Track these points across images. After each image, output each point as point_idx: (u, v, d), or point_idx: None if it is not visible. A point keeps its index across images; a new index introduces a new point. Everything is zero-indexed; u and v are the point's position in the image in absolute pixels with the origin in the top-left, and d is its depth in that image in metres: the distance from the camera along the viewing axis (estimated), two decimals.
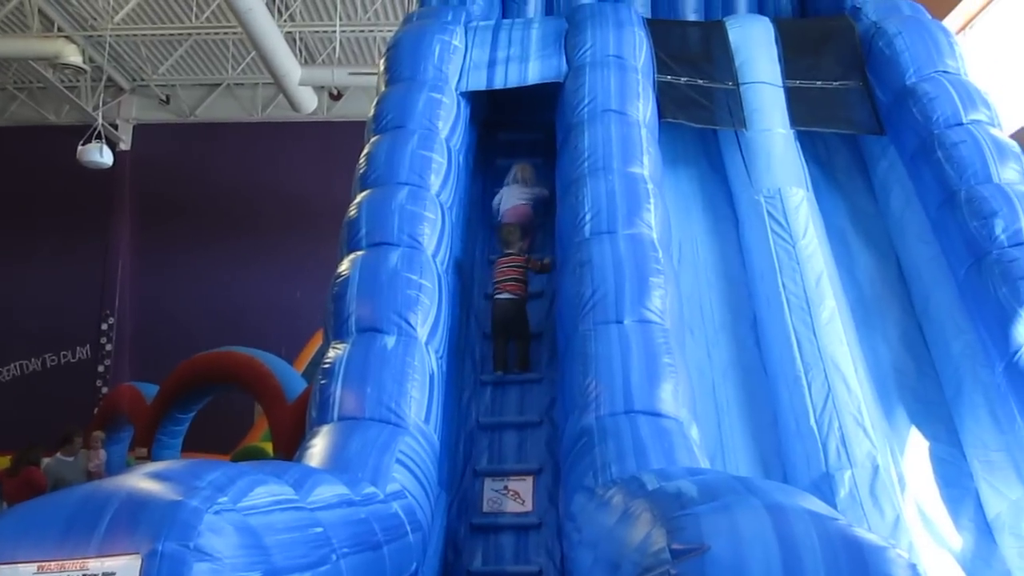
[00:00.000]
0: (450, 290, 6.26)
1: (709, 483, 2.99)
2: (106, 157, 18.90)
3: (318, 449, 4.90)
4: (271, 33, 16.32)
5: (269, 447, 12.31)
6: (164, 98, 21.77)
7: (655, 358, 5.26)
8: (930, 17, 7.83)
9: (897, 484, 5.55)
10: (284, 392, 10.84)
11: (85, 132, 19.26)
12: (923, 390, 6.35)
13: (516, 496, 5.86)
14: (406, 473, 4.86)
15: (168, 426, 12.63)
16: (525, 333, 6.67)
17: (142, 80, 21.53)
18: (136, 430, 13.04)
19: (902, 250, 7.04)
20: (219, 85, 21.79)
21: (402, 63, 7.41)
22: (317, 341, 14.93)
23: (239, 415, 15.72)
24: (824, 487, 5.46)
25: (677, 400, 5.13)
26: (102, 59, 19.42)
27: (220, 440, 14.87)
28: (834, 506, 5.39)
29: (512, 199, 7.42)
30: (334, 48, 19.14)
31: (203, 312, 19.82)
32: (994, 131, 6.81)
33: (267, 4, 16.54)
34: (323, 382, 5.39)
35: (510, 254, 6.86)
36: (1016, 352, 5.60)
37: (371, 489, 4.44)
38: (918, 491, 5.75)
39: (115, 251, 21.29)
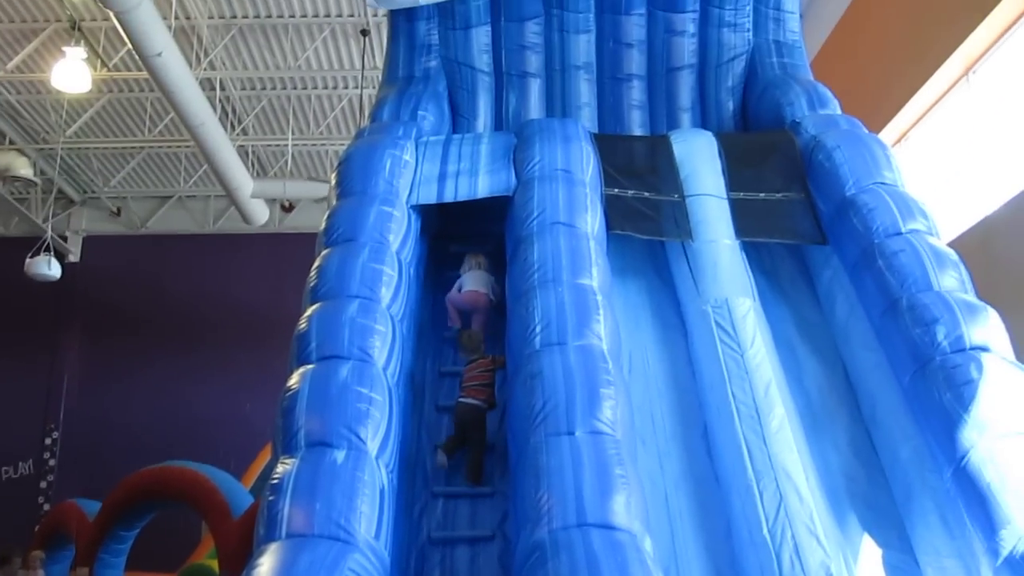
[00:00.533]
0: (401, 403, 6.21)
1: None
2: (54, 270, 18.79)
3: (265, 568, 4.78)
4: (223, 147, 16.46)
5: (215, 564, 11.98)
6: (115, 210, 21.79)
7: (607, 470, 5.23)
8: (867, 131, 8.08)
9: None
10: (230, 508, 10.61)
11: (33, 244, 19.17)
12: (874, 497, 6.36)
13: None
14: None
15: (111, 544, 12.26)
16: (482, 442, 6.65)
17: (93, 192, 21.57)
18: (78, 549, 12.65)
19: (848, 357, 7.12)
20: (171, 197, 21.89)
21: (353, 177, 7.49)
22: (267, 454, 14.70)
23: (185, 532, 15.35)
24: None
25: (630, 512, 5.09)
26: (53, 171, 19.44)
27: (166, 558, 14.50)
28: None
29: (473, 284, 7.55)
30: (286, 161, 19.35)
31: (152, 426, 19.53)
32: (932, 240, 6.98)
33: (220, 118, 16.73)
34: (271, 498, 5.28)
35: (475, 359, 6.92)
36: (963, 457, 5.65)
37: None
38: None
39: (61, 364, 21.00)
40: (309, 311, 6.43)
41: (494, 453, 6.62)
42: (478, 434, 6.64)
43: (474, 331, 7.29)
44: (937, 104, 12.17)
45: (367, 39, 16.06)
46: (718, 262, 7.23)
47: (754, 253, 7.66)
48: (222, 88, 17.55)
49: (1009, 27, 10.50)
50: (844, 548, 5.87)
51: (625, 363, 6.83)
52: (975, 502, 5.49)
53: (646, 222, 7.59)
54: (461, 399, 6.73)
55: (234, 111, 18.55)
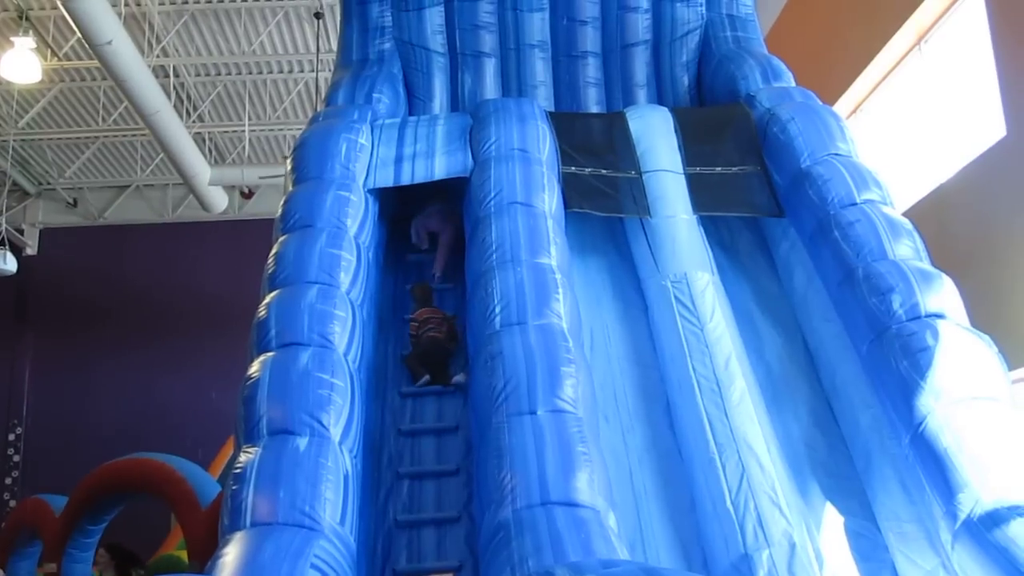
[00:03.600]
0: (363, 388, 6.20)
1: None
2: (10, 264, 18.53)
3: (230, 558, 4.77)
4: (179, 134, 16.29)
5: (185, 555, 11.92)
6: (71, 201, 21.51)
7: (569, 448, 5.26)
8: (821, 103, 8.12)
9: (815, 561, 5.58)
10: (198, 497, 10.53)
11: None
12: (835, 465, 6.45)
13: None
14: None
15: (78, 539, 12.12)
16: (447, 368, 7.08)
17: (48, 184, 21.25)
18: (44, 544, 12.53)
19: (807, 328, 7.19)
20: (128, 187, 21.63)
21: (309, 162, 7.44)
22: (232, 444, 14.62)
23: (154, 524, 15.26)
24: (743, 568, 5.49)
25: (593, 489, 5.13)
26: (6, 164, 19.15)
27: (137, 549, 14.39)
28: None
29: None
30: (243, 147, 19.18)
31: (117, 418, 19.38)
32: (887, 209, 7.04)
33: (175, 105, 16.54)
34: (234, 487, 5.27)
35: (429, 306, 7.38)
36: (920, 423, 5.72)
37: None
38: (836, 566, 5.79)
39: (23, 359, 20.75)
40: (268, 298, 6.40)
41: (457, 434, 6.63)
42: (448, 359, 7.08)
43: (425, 284, 7.65)
44: (890, 75, 12.25)
45: (321, 22, 15.91)
46: (676, 237, 7.27)
47: (712, 227, 7.70)
48: (176, 75, 17.34)
49: None
50: (807, 517, 5.95)
51: (587, 341, 6.87)
52: (933, 467, 5.56)
53: (604, 199, 7.60)
54: (430, 336, 7.09)
55: (189, 98, 18.34)
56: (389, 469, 6.51)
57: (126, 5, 14.74)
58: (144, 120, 15.49)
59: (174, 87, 17.19)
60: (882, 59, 12.00)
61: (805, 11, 14.48)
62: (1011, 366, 6.31)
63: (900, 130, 12.06)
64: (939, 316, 6.19)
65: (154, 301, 20.73)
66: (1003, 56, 9.55)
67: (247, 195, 20.58)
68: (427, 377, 7.01)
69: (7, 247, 18.72)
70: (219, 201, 19.47)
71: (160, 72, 16.48)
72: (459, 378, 6.90)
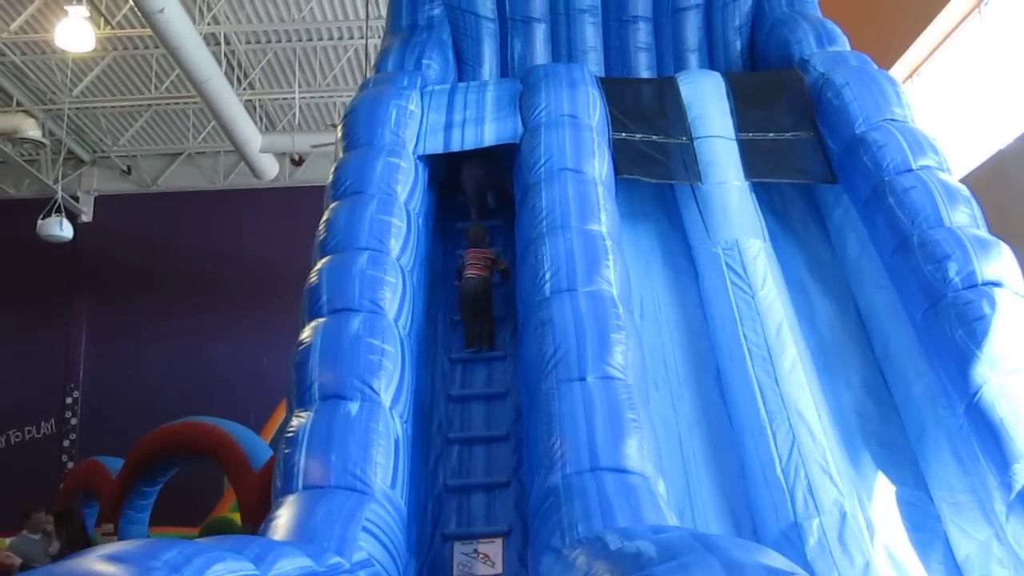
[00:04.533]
0: (413, 353, 6.25)
1: (669, 542, 2.99)
2: (66, 230, 18.85)
3: (283, 520, 4.85)
4: (230, 102, 16.42)
5: (238, 518, 12.15)
6: (125, 169, 21.78)
7: (619, 414, 5.27)
8: (876, 67, 7.98)
9: (866, 530, 5.56)
10: (250, 461, 10.72)
11: (45, 206, 19.20)
12: (887, 434, 6.39)
13: (486, 559, 5.81)
14: (373, 541, 4.82)
15: (134, 500, 12.43)
16: (490, 313, 7.10)
17: (102, 152, 21.55)
18: (101, 506, 12.83)
19: (860, 296, 7.11)
20: (180, 154, 21.86)
21: (359, 129, 7.46)
22: (284, 408, 14.80)
23: (208, 486, 15.52)
24: (793, 536, 5.48)
25: (642, 456, 5.13)
26: (61, 132, 19.42)
27: (190, 512, 14.66)
28: (804, 555, 5.41)
29: None
30: (294, 114, 19.26)
31: (170, 382, 19.67)
32: (943, 176, 6.93)
33: (226, 73, 16.65)
34: (287, 451, 5.35)
35: (479, 247, 7.36)
36: (975, 393, 5.66)
37: (336, 559, 4.40)
38: (887, 536, 5.76)
39: (78, 324, 21.12)
40: (319, 264, 6.45)
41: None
42: (486, 306, 7.14)
43: (479, 225, 7.67)
44: (948, 38, 11.99)
45: None
46: (728, 204, 7.21)
47: (764, 194, 7.62)
48: (227, 42, 17.44)
49: None
50: (858, 486, 5.91)
51: (637, 308, 6.85)
52: (988, 437, 5.51)
53: (655, 166, 7.55)
54: (467, 275, 7.16)
55: (239, 65, 18.44)
56: (439, 434, 6.56)
57: None
58: (196, 88, 15.63)
59: (225, 55, 17.29)
60: (940, 22, 11.75)
61: None
62: None
63: (959, 95, 11.82)
64: (996, 284, 6.09)
65: (206, 267, 20.97)
66: None
67: (297, 162, 20.69)
68: (476, 347, 7.08)
69: (63, 214, 19.02)
70: (270, 168, 19.62)
71: (211, 40, 16.58)
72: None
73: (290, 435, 5.42)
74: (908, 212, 6.62)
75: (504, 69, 9.15)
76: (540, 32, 9.19)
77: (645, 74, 9.09)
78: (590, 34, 9.20)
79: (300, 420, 5.48)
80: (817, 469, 5.68)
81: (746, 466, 6.01)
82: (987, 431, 5.52)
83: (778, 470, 5.72)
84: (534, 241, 6.55)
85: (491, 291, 7.18)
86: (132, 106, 19.90)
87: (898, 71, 12.60)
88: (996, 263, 6.21)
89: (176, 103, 19.68)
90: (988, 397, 5.59)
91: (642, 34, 9.24)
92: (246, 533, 8.64)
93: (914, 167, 6.92)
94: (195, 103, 18.49)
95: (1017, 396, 5.53)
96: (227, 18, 16.97)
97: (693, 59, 9.16)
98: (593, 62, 9.03)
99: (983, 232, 6.53)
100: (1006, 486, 5.35)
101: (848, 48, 8.39)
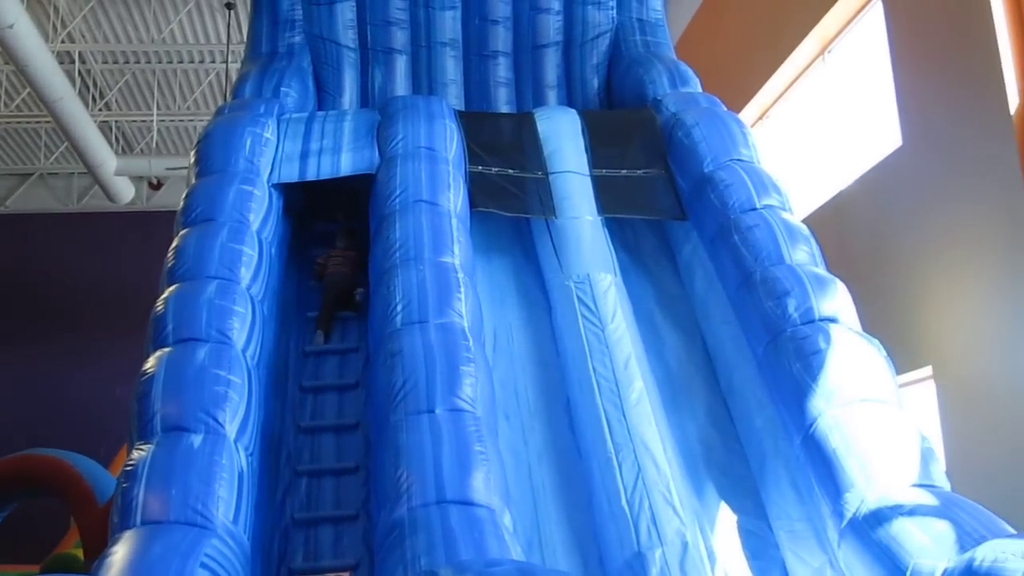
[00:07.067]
0: (262, 384, 6.14)
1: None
2: None
3: (118, 557, 4.68)
4: (84, 122, 15.93)
5: (82, 553, 11.66)
6: None
7: (467, 447, 5.28)
8: (725, 108, 8.27)
9: (707, 559, 5.68)
10: (96, 495, 10.31)
11: None
12: (730, 465, 6.57)
13: None
14: None
15: None
16: (352, 303, 7.46)
17: None
18: None
19: (707, 330, 7.31)
20: (31, 175, 21.05)
21: (212, 156, 7.34)
22: None
23: (51, 521, 14.89)
24: (636, 566, 5.56)
25: (489, 488, 5.15)
26: None
27: (34, 548, 14.05)
28: None
29: None
30: (152, 137, 18.82)
31: (18, 413, 18.86)
32: (785, 215, 7.20)
33: (80, 92, 16.16)
34: (125, 485, 5.17)
35: (343, 248, 7.75)
36: (811, 425, 5.86)
37: None
38: (728, 564, 5.90)
39: None
40: (166, 293, 6.31)
41: (357, 432, 6.60)
42: (350, 299, 7.48)
43: (349, 226, 7.95)
44: (795, 83, 12.52)
45: (233, 12, 15.69)
46: (581, 238, 7.33)
47: (617, 229, 7.79)
48: (82, 61, 16.94)
49: (862, 7, 10.86)
50: (700, 516, 6.05)
51: (489, 340, 6.89)
52: (822, 468, 5.71)
53: (510, 199, 7.64)
54: (333, 271, 7.53)
55: (95, 85, 17.93)
56: (288, 466, 6.45)
57: None
58: (47, 107, 15.11)
59: (80, 74, 16.79)
60: (788, 67, 12.25)
61: (715, 18, 14.72)
62: (899, 370, 6.51)
63: (805, 137, 12.33)
64: (832, 320, 6.35)
65: (58, 293, 20.23)
66: (900, 69, 9.83)
67: (155, 186, 20.19)
68: (322, 337, 7.27)
69: None
70: (125, 192, 19.07)
71: (65, 58, 16.08)
72: (359, 294, 7.41)
73: (129, 468, 5.24)
74: (751, 249, 6.85)
75: (364, 99, 9.15)
76: (401, 63, 9.24)
77: (505, 108, 9.22)
78: (451, 67, 9.30)
79: (140, 453, 5.30)
80: (661, 500, 5.79)
81: (593, 497, 6.08)
82: (821, 462, 5.72)
83: (623, 501, 5.80)
84: (387, 272, 6.54)
85: (355, 288, 7.46)
86: None
87: (748, 113, 13.08)
88: (832, 300, 6.47)
89: (27, 122, 18.99)
90: (823, 429, 5.79)
91: (502, 69, 9.39)
92: (88, 570, 8.32)
93: (758, 206, 7.18)
94: (47, 122, 17.88)
95: (849, 428, 5.73)
96: (83, 36, 16.49)
97: (552, 95, 9.34)
98: (453, 95, 9.12)
99: (821, 270, 6.81)
100: (838, 514, 5.55)
101: (700, 89, 8.68)
